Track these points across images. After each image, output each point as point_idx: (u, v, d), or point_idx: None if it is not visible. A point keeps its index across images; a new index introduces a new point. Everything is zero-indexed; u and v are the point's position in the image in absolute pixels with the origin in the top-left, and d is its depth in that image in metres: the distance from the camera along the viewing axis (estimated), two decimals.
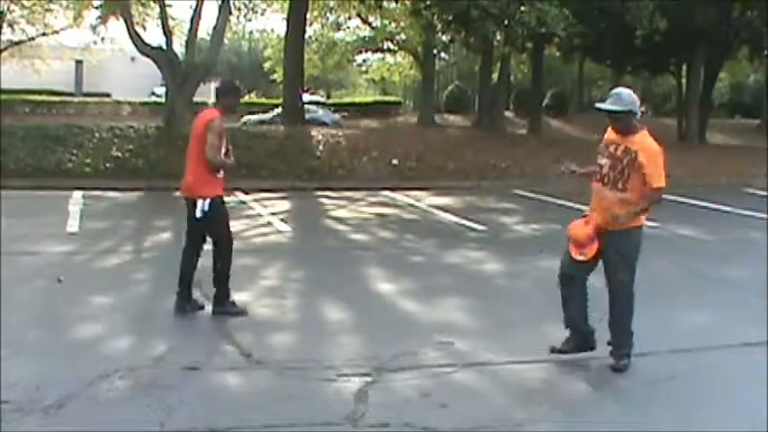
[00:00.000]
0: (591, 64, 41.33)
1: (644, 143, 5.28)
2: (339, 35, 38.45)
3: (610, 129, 5.48)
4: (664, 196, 5.38)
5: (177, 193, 16.50)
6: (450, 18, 23.62)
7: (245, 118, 31.15)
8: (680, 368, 5.36)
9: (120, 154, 16.82)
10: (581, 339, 5.50)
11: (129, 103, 37.65)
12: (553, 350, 5.47)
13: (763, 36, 28.93)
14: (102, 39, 29.52)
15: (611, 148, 5.38)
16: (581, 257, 5.49)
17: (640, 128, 5.36)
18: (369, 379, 4.94)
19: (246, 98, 50.62)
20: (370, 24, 36.99)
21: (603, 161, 5.42)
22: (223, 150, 6.30)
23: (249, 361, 5.27)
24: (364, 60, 44.90)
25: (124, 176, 15.68)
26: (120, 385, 4.73)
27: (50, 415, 4.29)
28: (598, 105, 5.49)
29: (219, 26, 19.75)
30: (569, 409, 4.65)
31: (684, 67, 33.19)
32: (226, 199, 6.51)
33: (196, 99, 21.27)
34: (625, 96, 5.34)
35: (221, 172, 6.37)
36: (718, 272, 8.76)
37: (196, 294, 7.11)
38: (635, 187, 5.25)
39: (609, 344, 5.42)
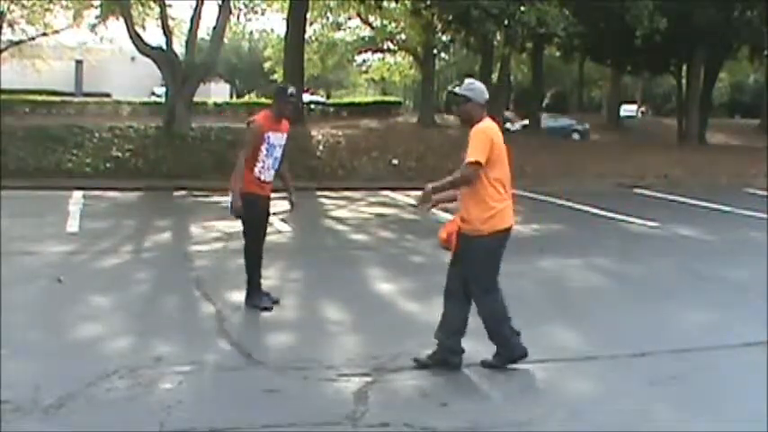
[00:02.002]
0: (591, 64, 41.36)
1: (474, 129, 5.04)
2: (339, 35, 38.49)
3: None
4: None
5: (177, 193, 16.53)
6: (451, 18, 23.63)
7: None
8: (680, 368, 5.36)
9: (120, 154, 16.82)
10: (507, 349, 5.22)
11: (129, 103, 37.64)
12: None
13: (763, 36, 28.95)
14: (102, 39, 29.61)
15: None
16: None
17: (482, 118, 5.11)
18: (369, 379, 4.94)
19: (246, 98, 50.82)
20: (370, 24, 37.00)
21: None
22: (263, 154, 6.41)
23: (249, 361, 5.27)
24: (364, 60, 44.96)
25: (124, 176, 15.68)
26: (120, 385, 4.72)
27: (50, 415, 4.29)
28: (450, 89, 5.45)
29: (219, 26, 19.75)
30: (569, 409, 4.65)
31: (684, 67, 33.23)
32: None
33: (196, 99, 21.29)
34: (468, 83, 5.23)
35: (263, 173, 6.46)
36: (718, 272, 8.76)
37: (196, 294, 7.13)
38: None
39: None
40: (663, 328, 6.36)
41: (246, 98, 50.84)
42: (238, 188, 6.38)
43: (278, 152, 6.54)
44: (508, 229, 5.20)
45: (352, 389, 4.77)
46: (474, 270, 5.17)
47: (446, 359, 5.17)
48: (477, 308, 5.24)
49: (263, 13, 31.32)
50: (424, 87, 38.06)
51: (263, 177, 6.48)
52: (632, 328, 6.34)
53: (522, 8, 20.00)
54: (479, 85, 5.25)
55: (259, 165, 6.45)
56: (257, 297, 6.59)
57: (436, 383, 4.93)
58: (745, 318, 6.71)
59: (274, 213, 12.12)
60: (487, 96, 5.21)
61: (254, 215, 6.54)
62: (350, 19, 37.06)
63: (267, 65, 40.85)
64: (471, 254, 5.13)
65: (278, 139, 6.52)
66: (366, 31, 38.59)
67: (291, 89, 6.64)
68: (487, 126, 5.10)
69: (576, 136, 33.96)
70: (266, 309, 6.52)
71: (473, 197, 5.07)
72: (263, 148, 6.43)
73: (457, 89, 5.24)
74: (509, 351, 5.19)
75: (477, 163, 4.95)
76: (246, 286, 6.63)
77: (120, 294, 7.05)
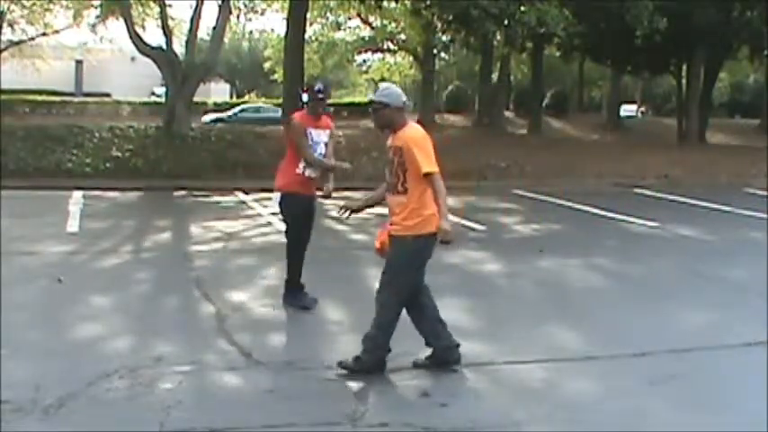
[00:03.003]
0: (591, 64, 41.36)
1: (407, 134, 4.97)
2: (339, 35, 38.54)
3: (390, 135, 5.13)
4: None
5: (177, 193, 16.50)
6: (451, 18, 23.65)
7: (205, 117, 31.73)
8: (680, 368, 5.36)
9: (120, 154, 16.82)
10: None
11: (129, 103, 37.67)
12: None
13: (763, 36, 28.96)
14: (102, 39, 29.65)
15: (389, 153, 5.05)
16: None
17: (405, 122, 5.03)
18: (369, 379, 4.94)
19: (246, 98, 50.81)
20: (370, 24, 37.02)
21: (386, 169, 5.11)
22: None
23: (249, 361, 5.26)
24: (364, 60, 45.00)
25: (124, 176, 15.68)
26: (120, 385, 4.73)
27: (50, 415, 4.29)
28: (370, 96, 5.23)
29: (219, 26, 19.77)
30: (569, 409, 4.65)
31: (684, 67, 33.23)
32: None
33: (196, 99, 21.30)
34: (383, 88, 5.14)
35: (307, 170, 6.40)
36: (718, 272, 8.76)
37: (196, 294, 7.13)
38: (414, 187, 4.92)
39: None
40: (663, 328, 6.35)
41: (246, 98, 50.88)
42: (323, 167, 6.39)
43: (321, 149, 6.44)
44: (434, 234, 4.99)
45: (352, 389, 4.78)
46: (393, 269, 5.04)
47: (445, 359, 5.16)
48: (378, 303, 5.11)
49: (262, 13, 31.35)
50: (424, 87, 38.07)
51: (306, 174, 6.42)
52: (632, 328, 6.34)
53: (522, 8, 20.00)
54: (395, 89, 5.17)
55: (302, 162, 6.39)
56: (298, 296, 6.59)
57: (436, 383, 4.93)
58: (745, 318, 6.71)
59: (273, 213, 12.20)
60: (405, 99, 5.14)
61: (295, 214, 6.52)
62: (350, 19, 37.09)
63: (267, 65, 40.90)
64: (395, 252, 5.03)
65: (319, 135, 6.42)
66: (366, 31, 38.62)
67: (319, 85, 6.40)
68: (424, 132, 5.03)
69: None
70: (306, 308, 6.51)
71: (407, 204, 4.96)
72: (307, 144, 6.37)
73: (372, 96, 5.15)
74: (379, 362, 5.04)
75: (437, 172, 4.91)
76: (285, 285, 6.63)
77: (120, 294, 7.05)
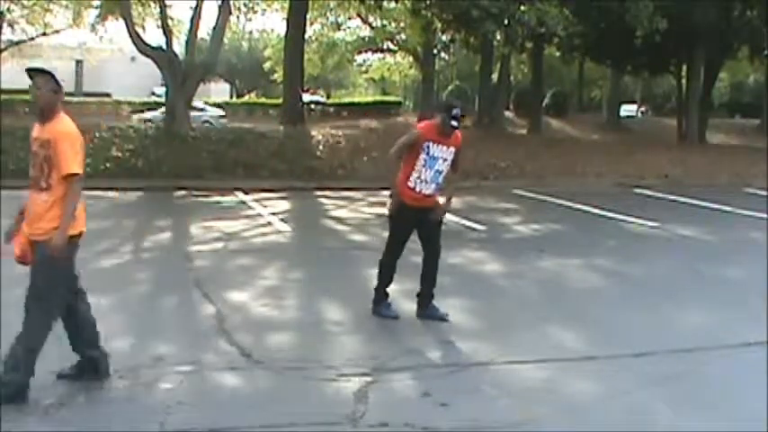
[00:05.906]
0: (591, 64, 41.31)
1: (60, 128, 4.46)
2: (339, 35, 38.49)
3: (35, 125, 4.58)
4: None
5: (177, 193, 16.46)
6: (451, 18, 23.64)
7: (137, 116, 30.84)
8: (680, 368, 5.36)
9: (120, 154, 16.82)
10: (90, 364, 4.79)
11: (129, 103, 37.63)
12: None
13: (763, 36, 28.97)
14: (102, 39, 29.62)
15: (34, 146, 4.51)
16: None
17: (60, 113, 4.52)
18: (369, 379, 4.94)
19: (246, 98, 50.83)
20: (370, 24, 36.99)
21: (30, 162, 4.56)
22: (421, 164, 6.14)
23: (249, 361, 5.27)
24: (364, 60, 44.96)
25: (124, 176, 15.68)
26: (120, 385, 4.72)
27: (50, 415, 4.29)
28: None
29: (219, 26, 19.77)
30: (569, 409, 4.65)
31: (684, 67, 33.22)
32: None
33: (196, 99, 21.29)
34: (50, 69, 4.54)
35: (419, 185, 6.19)
36: (718, 272, 8.77)
37: (196, 294, 7.12)
38: (59, 184, 4.40)
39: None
40: (663, 328, 6.36)
41: (246, 98, 50.90)
42: (395, 188, 6.23)
43: (440, 165, 6.21)
44: (80, 235, 4.64)
45: (352, 389, 4.78)
46: (42, 282, 4.58)
47: (96, 368, 4.81)
48: (25, 325, 4.63)
49: (263, 14, 31.35)
50: (424, 87, 38.04)
51: (418, 189, 6.20)
52: (632, 328, 6.35)
53: (522, 8, 20.02)
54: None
55: (415, 175, 6.17)
56: (382, 305, 6.52)
57: (436, 383, 4.93)
58: (745, 318, 6.71)
59: (272, 213, 12.21)
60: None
61: (400, 226, 6.42)
62: (350, 19, 37.06)
63: (267, 65, 40.87)
64: (42, 261, 4.53)
65: (441, 151, 6.17)
66: (366, 31, 38.58)
67: (456, 110, 6.04)
68: (76, 130, 4.55)
69: None
70: (396, 317, 6.43)
71: (52, 203, 4.46)
72: (422, 157, 6.14)
73: (43, 67, 4.54)
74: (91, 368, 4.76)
75: (79, 175, 4.45)
76: (374, 294, 6.57)
77: (119, 294, 7.05)
